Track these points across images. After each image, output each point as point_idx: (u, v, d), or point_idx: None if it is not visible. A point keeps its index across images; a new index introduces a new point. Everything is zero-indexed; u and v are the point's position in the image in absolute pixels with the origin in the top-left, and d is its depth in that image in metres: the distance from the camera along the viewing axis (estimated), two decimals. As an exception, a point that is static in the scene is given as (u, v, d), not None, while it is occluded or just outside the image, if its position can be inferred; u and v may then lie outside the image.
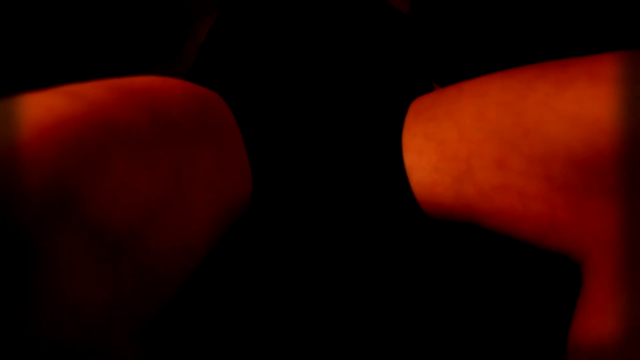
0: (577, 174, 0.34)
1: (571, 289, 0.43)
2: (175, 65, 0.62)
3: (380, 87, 0.47)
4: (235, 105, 0.45)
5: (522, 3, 0.71)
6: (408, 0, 0.68)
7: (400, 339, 0.43)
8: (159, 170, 0.33)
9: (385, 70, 0.49)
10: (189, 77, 0.54)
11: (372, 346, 0.43)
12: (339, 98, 0.46)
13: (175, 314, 0.43)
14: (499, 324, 0.44)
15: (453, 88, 0.44)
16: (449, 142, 0.40)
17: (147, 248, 0.31)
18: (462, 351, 0.43)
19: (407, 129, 0.44)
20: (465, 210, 0.41)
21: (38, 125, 0.27)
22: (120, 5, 0.59)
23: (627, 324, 0.31)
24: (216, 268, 0.45)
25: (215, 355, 0.43)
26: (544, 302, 0.44)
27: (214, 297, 0.44)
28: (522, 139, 0.36)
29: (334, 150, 0.44)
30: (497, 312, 0.44)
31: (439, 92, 0.45)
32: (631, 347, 0.31)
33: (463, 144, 0.40)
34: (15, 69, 0.62)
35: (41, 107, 0.28)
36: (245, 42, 0.50)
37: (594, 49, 0.69)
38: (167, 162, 0.34)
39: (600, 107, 0.33)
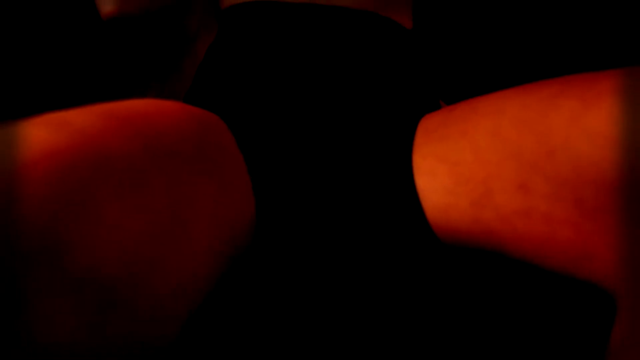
0: (609, 198, 0.31)
1: (601, 320, 0.40)
2: (174, 83, 0.61)
3: (386, 105, 0.45)
4: (236, 127, 0.43)
5: (527, 17, 0.69)
6: (410, 16, 0.66)
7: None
8: (156, 205, 0.30)
9: (390, 88, 0.47)
10: (187, 98, 0.52)
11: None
12: (344, 118, 0.44)
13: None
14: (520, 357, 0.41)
15: (465, 105, 0.42)
16: (464, 163, 0.38)
17: (144, 293, 0.28)
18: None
19: (417, 149, 0.41)
20: (484, 236, 0.38)
21: (18, 163, 0.24)
22: (118, 24, 0.58)
23: None
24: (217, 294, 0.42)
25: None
26: (571, 336, 0.41)
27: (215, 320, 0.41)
28: (546, 159, 0.34)
29: (342, 172, 0.42)
30: (519, 346, 0.41)
31: (450, 110, 0.43)
32: None
33: (479, 165, 0.37)
34: (4, 90, 0.60)
35: (22, 141, 0.26)
36: (245, 60, 0.48)
37: (605, 62, 0.67)
38: (165, 194, 0.31)
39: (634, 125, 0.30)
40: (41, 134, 0.26)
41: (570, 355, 0.40)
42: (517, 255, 0.37)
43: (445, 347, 0.41)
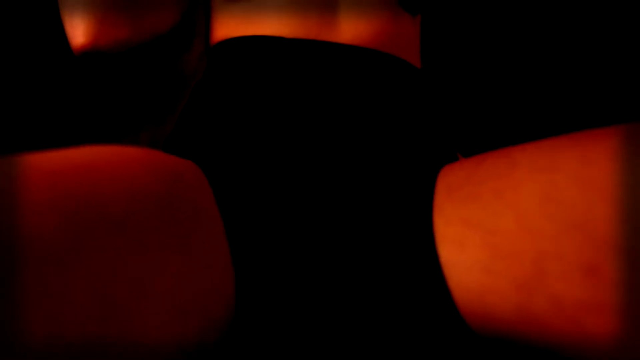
0: None
1: None
2: (168, 126, 0.56)
3: (398, 154, 0.37)
4: (218, 179, 0.35)
5: (534, 51, 0.63)
6: (419, 55, 0.60)
7: None
8: (78, 297, 0.21)
9: (401, 134, 0.39)
10: (165, 143, 0.45)
11: None
12: (346, 170, 0.36)
13: None
14: None
15: (498, 156, 0.34)
16: (504, 232, 0.30)
17: None
18: None
19: (438, 211, 0.34)
20: (533, 330, 0.29)
21: None
22: (93, 60, 0.51)
23: None
24: None
25: None
26: None
27: None
28: (624, 235, 0.25)
29: (346, 240, 0.33)
30: None
31: (478, 162, 0.35)
32: None
33: (526, 236, 0.29)
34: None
35: None
36: (234, 102, 0.40)
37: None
38: (96, 280, 0.22)
39: None
40: None
41: None
42: (580, 359, 0.28)
43: None
